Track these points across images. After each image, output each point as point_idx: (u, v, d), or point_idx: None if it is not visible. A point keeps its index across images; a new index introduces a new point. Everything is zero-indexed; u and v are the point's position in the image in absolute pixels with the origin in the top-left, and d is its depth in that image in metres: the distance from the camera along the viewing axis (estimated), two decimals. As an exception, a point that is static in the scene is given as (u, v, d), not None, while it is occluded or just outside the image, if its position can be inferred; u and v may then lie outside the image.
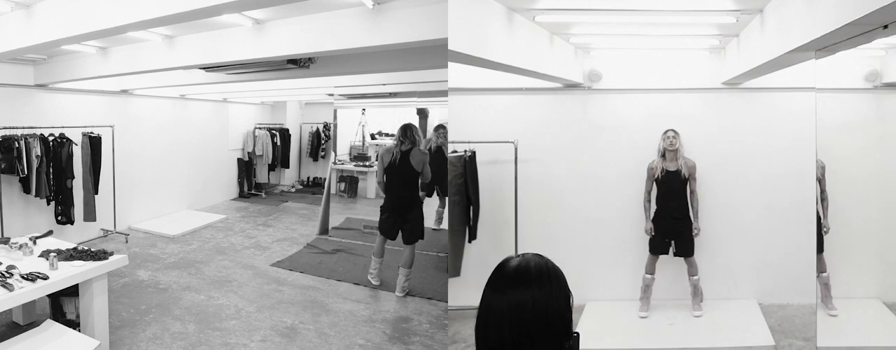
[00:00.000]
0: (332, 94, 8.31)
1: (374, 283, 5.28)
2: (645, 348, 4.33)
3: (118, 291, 4.91)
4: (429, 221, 6.93)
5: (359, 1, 3.49)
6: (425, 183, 5.05)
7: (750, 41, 3.84)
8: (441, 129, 7.42)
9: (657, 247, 4.58)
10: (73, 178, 6.18)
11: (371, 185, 8.64)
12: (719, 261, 4.78)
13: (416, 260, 5.11)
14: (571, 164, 4.92)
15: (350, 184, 8.99)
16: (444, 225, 7.33)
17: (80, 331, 3.61)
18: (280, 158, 10.92)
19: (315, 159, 11.81)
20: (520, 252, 1.17)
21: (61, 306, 3.95)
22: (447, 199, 7.41)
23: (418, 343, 4.18)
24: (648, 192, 4.63)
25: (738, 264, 4.81)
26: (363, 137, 9.30)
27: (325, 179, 8.56)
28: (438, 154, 7.10)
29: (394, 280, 5.22)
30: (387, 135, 9.24)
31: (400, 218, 4.99)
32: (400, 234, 5.04)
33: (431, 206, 7.54)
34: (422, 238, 5.10)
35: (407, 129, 4.93)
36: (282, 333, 4.25)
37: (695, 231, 4.56)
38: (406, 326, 4.47)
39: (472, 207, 4.64)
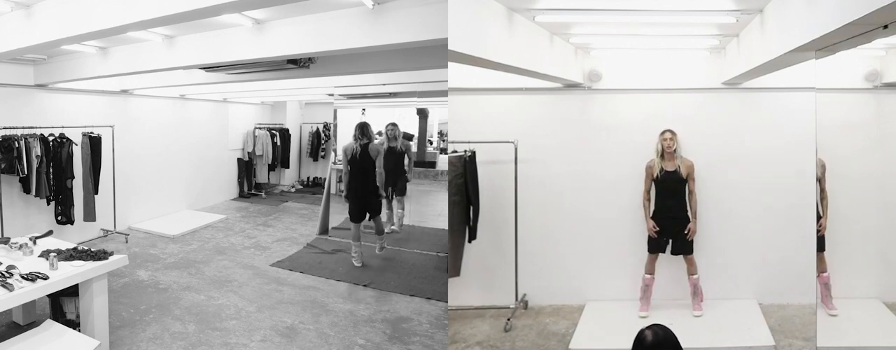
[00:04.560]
0: (332, 94, 8.31)
1: (356, 264, 5.98)
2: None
3: (118, 291, 4.91)
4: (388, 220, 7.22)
5: (359, 1, 3.49)
6: (380, 181, 5.98)
7: (750, 41, 3.83)
8: (390, 126, 7.31)
9: (654, 245, 4.58)
10: (73, 178, 6.19)
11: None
12: (719, 261, 4.77)
13: (415, 260, 5.35)
14: (571, 164, 4.91)
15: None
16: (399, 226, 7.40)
17: (80, 331, 3.61)
18: (280, 158, 10.93)
19: (315, 159, 11.82)
20: (646, 325, 2.22)
21: (61, 306, 3.95)
22: (404, 200, 7.44)
23: (418, 343, 4.19)
24: (647, 192, 4.62)
25: (738, 264, 4.80)
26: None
27: (325, 179, 8.56)
28: (391, 154, 7.04)
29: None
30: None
31: (363, 201, 5.95)
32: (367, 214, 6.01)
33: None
34: (381, 210, 6.22)
35: (363, 127, 5.91)
36: (282, 333, 4.26)
37: (687, 230, 4.54)
38: (406, 326, 4.47)
39: (471, 207, 4.63)
